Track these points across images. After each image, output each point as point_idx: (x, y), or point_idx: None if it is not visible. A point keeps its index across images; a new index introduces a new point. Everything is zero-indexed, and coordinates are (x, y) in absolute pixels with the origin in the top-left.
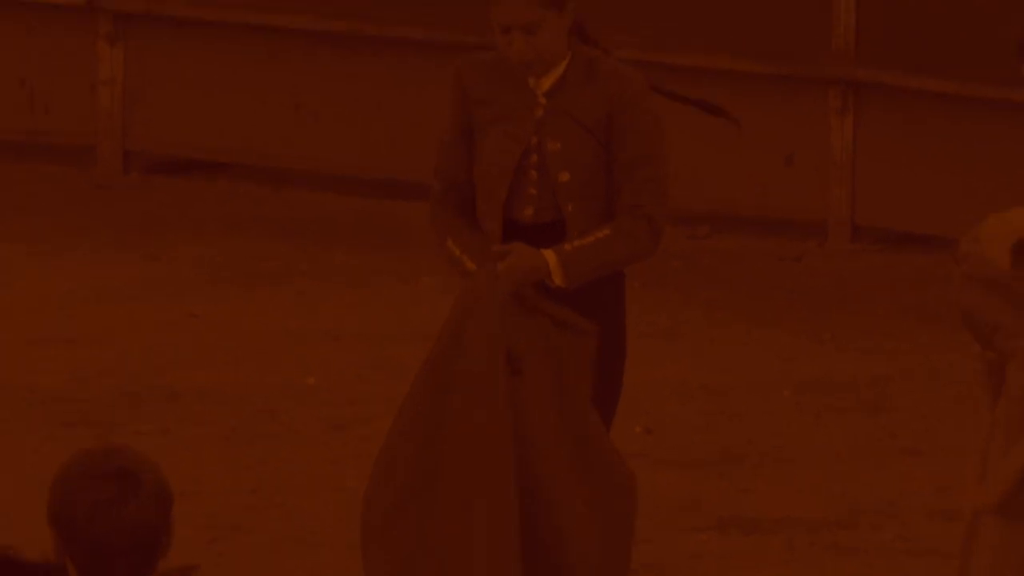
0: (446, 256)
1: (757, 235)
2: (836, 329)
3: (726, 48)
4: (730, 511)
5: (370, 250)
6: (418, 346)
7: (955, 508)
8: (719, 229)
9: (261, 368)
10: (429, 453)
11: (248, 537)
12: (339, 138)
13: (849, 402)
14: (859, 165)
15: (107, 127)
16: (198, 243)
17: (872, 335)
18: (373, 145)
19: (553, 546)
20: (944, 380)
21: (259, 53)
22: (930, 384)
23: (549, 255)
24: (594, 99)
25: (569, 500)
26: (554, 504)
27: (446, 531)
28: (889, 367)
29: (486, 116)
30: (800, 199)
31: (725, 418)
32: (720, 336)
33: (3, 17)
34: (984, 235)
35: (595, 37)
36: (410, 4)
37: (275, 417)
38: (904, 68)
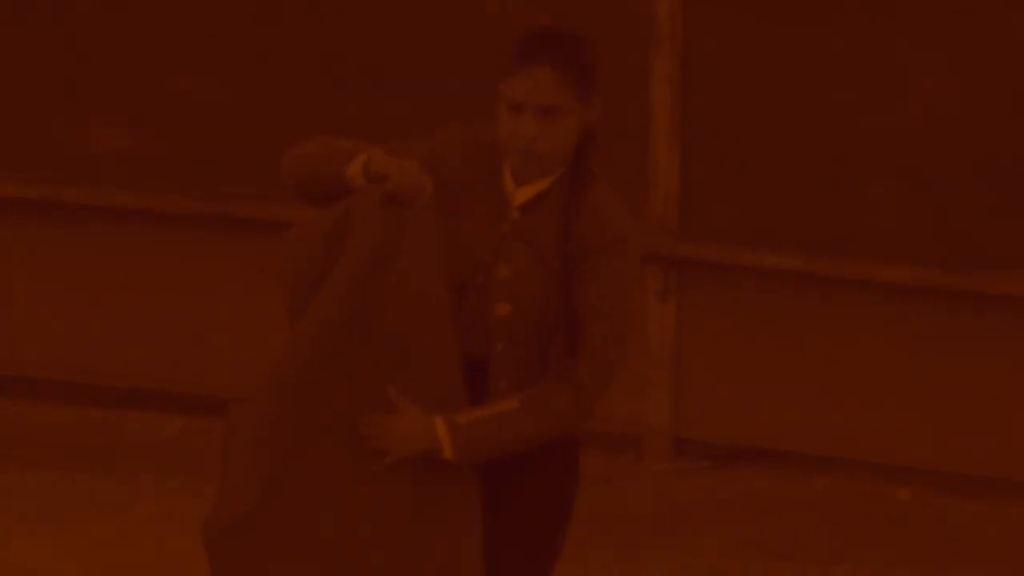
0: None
1: None
2: (656, 566)
3: None
4: None
5: (72, 472)
6: None
7: None
8: None
9: None
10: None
11: None
12: (39, 336)
13: None
14: (684, 362)
15: None
16: None
17: (702, 574)
18: (77, 342)
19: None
20: None
21: None
22: None
23: (439, 425)
24: (567, 232)
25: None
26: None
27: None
28: None
29: (444, 207)
30: (609, 405)
31: None
32: None
33: None
34: None
35: (594, 153)
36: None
37: None
38: (736, 242)
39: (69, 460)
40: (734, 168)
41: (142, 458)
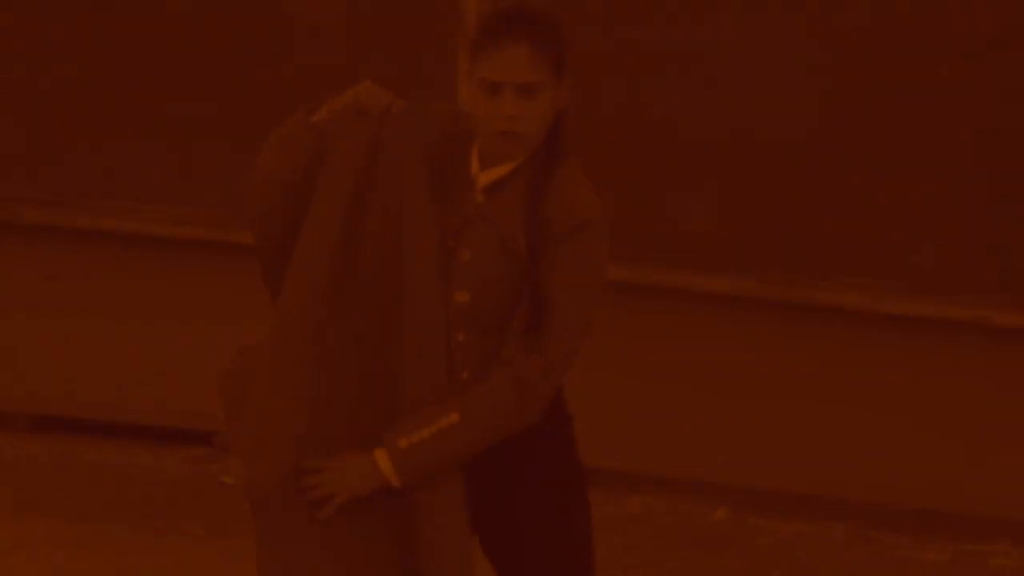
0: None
1: None
2: None
3: None
4: None
5: None
6: None
7: None
8: None
9: None
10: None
11: None
12: None
13: None
14: None
15: None
16: None
17: None
18: None
19: None
20: None
21: None
22: None
23: (381, 457)
24: (532, 217)
25: None
26: None
27: None
28: None
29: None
30: None
31: None
32: None
33: None
34: None
35: (567, 133)
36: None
37: None
38: None
39: None
40: None
41: None
